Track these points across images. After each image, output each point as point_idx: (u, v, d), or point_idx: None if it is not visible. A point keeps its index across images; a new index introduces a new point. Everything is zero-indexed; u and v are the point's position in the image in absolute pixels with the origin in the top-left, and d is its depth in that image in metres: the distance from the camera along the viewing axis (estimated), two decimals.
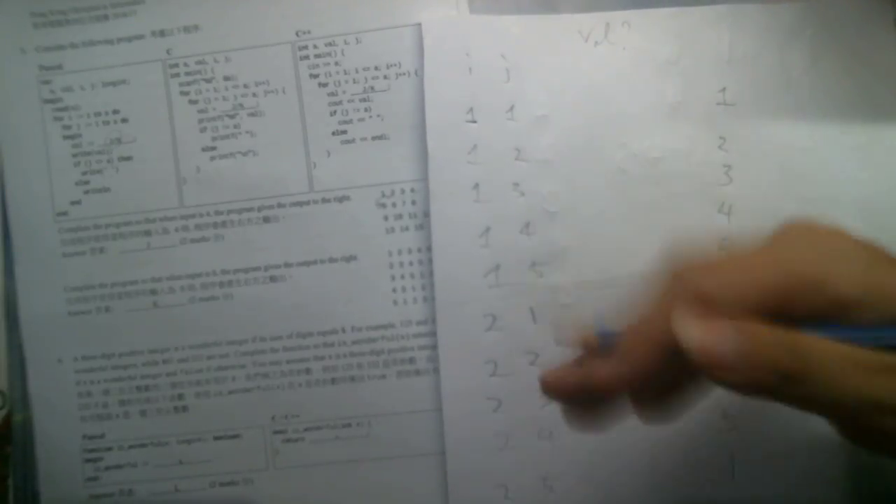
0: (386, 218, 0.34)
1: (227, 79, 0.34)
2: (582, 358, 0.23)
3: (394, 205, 0.34)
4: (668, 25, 0.33)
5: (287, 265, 0.34)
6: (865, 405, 0.18)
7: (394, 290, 0.34)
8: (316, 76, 0.34)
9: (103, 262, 0.34)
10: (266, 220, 0.34)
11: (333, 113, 0.34)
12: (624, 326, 0.21)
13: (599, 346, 0.22)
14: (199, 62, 0.34)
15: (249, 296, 0.34)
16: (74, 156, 0.34)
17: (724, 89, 0.33)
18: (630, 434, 0.32)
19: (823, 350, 0.19)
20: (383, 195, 0.34)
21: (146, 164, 0.34)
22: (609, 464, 0.32)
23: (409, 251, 0.34)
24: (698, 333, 0.19)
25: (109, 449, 0.34)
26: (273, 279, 0.34)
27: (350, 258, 0.34)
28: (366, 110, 0.34)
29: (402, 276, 0.34)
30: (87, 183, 0.34)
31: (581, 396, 0.22)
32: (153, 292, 0.34)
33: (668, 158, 0.30)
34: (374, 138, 0.34)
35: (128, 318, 0.34)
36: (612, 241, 0.32)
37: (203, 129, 0.34)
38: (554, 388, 0.22)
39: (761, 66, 0.33)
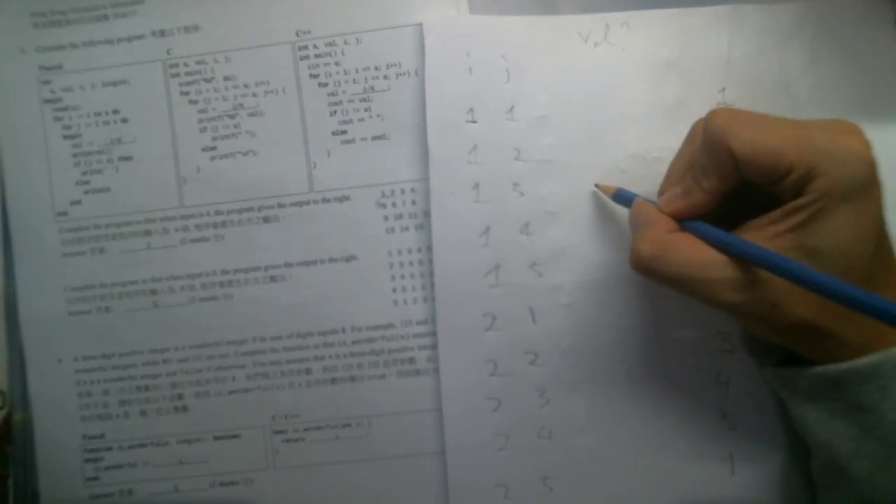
0: (386, 218, 0.34)
1: (227, 79, 0.34)
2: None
3: (394, 205, 0.34)
4: (668, 26, 0.33)
5: (287, 265, 0.34)
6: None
7: (394, 290, 0.34)
8: (316, 76, 0.34)
9: (103, 262, 0.34)
10: (266, 220, 0.34)
11: (333, 113, 0.34)
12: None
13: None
14: (199, 62, 0.34)
15: (249, 296, 0.34)
16: (74, 156, 0.34)
17: (723, 89, 0.33)
18: (630, 434, 0.32)
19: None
20: (383, 195, 0.34)
21: (146, 164, 0.34)
22: (609, 464, 0.32)
23: (409, 251, 0.34)
24: (637, 243, 0.27)
25: (109, 449, 0.34)
26: (273, 279, 0.34)
27: (350, 258, 0.34)
28: (366, 110, 0.34)
29: (402, 276, 0.34)
30: (87, 183, 0.34)
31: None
32: (153, 292, 0.34)
33: (668, 158, 0.30)
34: (374, 138, 0.34)
35: (128, 318, 0.34)
36: (612, 241, 0.32)
37: (203, 129, 0.34)
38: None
39: (761, 67, 0.33)
